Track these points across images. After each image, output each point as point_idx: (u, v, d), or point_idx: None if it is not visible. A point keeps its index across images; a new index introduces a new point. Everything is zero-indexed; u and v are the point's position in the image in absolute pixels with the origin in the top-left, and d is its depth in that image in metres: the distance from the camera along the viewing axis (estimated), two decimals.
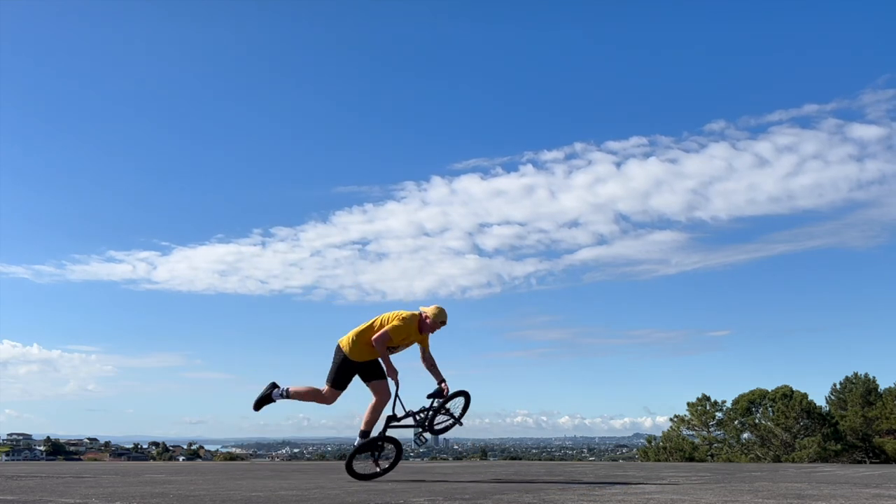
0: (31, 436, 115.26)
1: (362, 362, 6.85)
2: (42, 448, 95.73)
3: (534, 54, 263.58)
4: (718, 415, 36.95)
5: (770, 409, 35.43)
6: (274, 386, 7.15)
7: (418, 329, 6.89)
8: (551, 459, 43.23)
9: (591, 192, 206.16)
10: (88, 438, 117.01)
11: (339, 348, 6.91)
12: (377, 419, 6.83)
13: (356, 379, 6.96)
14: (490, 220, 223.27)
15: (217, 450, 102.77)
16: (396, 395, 6.82)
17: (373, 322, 6.90)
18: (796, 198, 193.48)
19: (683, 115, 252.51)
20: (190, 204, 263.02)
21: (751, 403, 36.10)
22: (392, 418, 6.82)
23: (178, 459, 61.95)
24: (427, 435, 7.04)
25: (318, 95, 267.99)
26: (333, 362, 6.95)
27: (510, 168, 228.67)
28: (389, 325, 6.75)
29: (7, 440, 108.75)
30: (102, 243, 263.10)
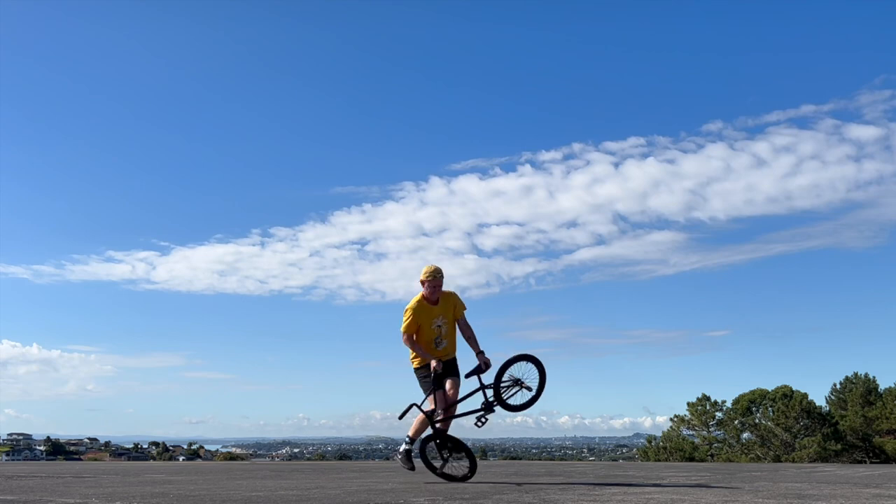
0: (31, 436, 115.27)
1: (420, 368, 6.62)
2: (42, 448, 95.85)
3: (532, 54, 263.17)
4: (718, 415, 37.01)
5: (770, 409, 35.46)
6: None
7: (427, 303, 6.54)
8: (551, 459, 43.23)
9: (589, 193, 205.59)
10: (88, 438, 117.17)
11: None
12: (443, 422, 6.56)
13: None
14: (489, 221, 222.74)
15: (217, 450, 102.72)
16: (435, 378, 6.37)
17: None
18: (794, 198, 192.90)
19: (681, 116, 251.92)
20: (189, 204, 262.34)
21: (751, 403, 36.15)
22: (430, 412, 6.43)
23: (178, 459, 61.98)
24: (489, 415, 6.42)
25: (317, 95, 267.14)
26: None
27: (508, 168, 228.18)
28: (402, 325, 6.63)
29: (7, 440, 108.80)
30: (102, 243, 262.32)
